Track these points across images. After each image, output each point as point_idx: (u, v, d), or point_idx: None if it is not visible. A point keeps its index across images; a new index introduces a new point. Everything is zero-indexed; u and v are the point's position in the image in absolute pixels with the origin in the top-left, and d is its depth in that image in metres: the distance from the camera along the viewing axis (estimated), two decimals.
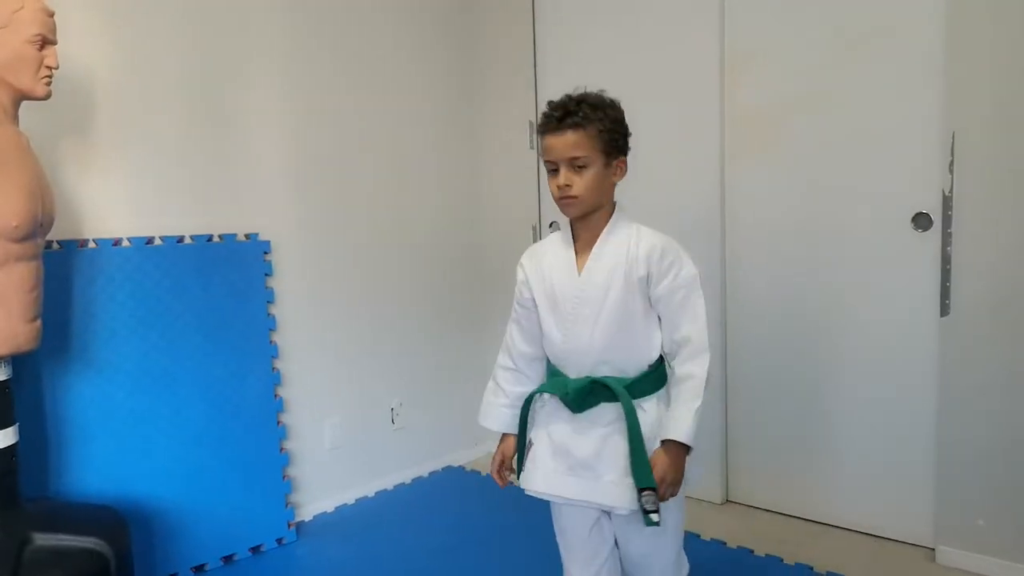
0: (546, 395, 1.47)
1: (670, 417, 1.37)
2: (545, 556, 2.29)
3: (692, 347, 1.40)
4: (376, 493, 2.95)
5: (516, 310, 1.53)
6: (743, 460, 2.72)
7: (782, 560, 2.27)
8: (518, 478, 1.52)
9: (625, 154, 1.43)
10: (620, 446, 1.37)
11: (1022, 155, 2.02)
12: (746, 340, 2.67)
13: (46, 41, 1.65)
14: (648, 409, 1.41)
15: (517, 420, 1.50)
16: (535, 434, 1.48)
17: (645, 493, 1.30)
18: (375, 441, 2.98)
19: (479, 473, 3.16)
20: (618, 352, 1.41)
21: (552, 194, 1.42)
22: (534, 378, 1.54)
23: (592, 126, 1.36)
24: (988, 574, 2.13)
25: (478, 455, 3.40)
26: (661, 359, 1.46)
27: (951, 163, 2.13)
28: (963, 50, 2.11)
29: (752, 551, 2.34)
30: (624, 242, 1.41)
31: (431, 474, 3.17)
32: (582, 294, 1.41)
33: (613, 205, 1.46)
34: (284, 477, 2.50)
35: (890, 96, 2.29)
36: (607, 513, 1.43)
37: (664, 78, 2.73)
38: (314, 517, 2.72)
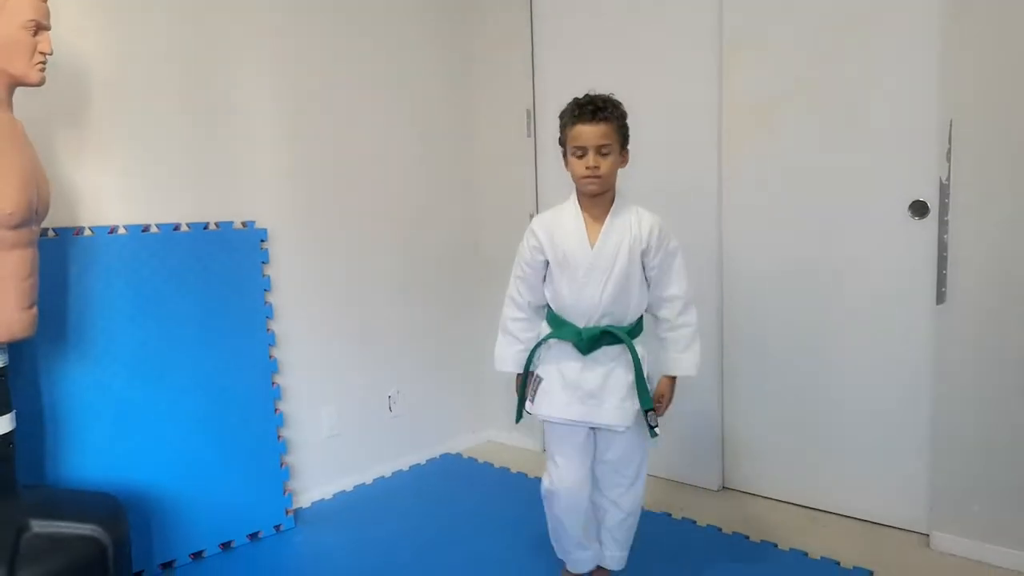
0: (553, 340, 1.79)
1: (673, 358, 1.82)
2: (542, 542, 2.31)
3: (682, 302, 1.79)
4: (374, 480, 2.96)
5: (523, 269, 1.84)
6: (739, 447, 2.73)
7: (776, 546, 2.29)
8: (521, 407, 1.87)
9: (627, 147, 1.76)
10: (620, 378, 1.76)
11: (1020, 143, 2.02)
12: (743, 327, 2.67)
13: (40, 27, 1.64)
14: (639, 349, 1.79)
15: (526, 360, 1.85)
16: (544, 371, 1.81)
17: (649, 413, 1.74)
18: (373, 429, 2.99)
19: (476, 460, 3.17)
20: (618, 307, 1.76)
21: (574, 174, 1.73)
22: (538, 325, 1.87)
23: (616, 120, 1.68)
24: (982, 560, 2.15)
25: (476, 442, 3.41)
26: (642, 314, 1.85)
27: (948, 151, 2.13)
28: (961, 37, 2.10)
29: (747, 537, 2.36)
30: (627, 221, 1.73)
31: (429, 461, 3.18)
32: (595, 263, 1.72)
33: (615, 189, 1.78)
34: (282, 464, 2.51)
35: (888, 83, 2.28)
36: (594, 430, 1.82)
37: (663, 64, 2.72)
38: (312, 504, 2.73)
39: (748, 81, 2.57)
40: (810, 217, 2.47)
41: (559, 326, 1.79)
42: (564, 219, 1.78)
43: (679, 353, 1.81)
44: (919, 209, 2.24)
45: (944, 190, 2.16)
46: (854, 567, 2.14)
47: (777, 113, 2.51)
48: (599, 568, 2.00)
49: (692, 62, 2.65)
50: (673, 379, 1.85)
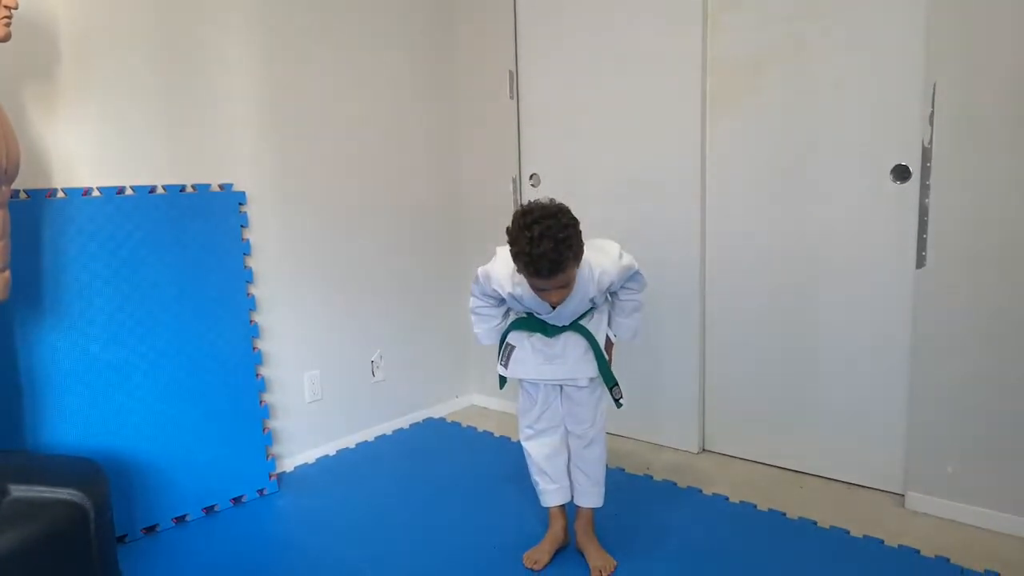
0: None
1: (617, 324, 2.00)
2: (525, 505, 2.33)
3: (638, 286, 1.95)
4: (357, 445, 2.97)
5: (480, 298, 2.00)
6: (719, 410, 2.76)
7: (756, 506, 2.33)
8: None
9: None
10: (577, 342, 1.93)
11: (1003, 107, 2.02)
12: (723, 291, 2.68)
13: None
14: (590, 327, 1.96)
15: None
16: (515, 340, 1.99)
17: (613, 389, 1.95)
18: (356, 393, 2.98)
19: (460, 424, 3.18)
20: (580, 315, 1.93)
21: (541, 298, 1.80)
22: (504, 306, 2.03)
23: (572, 263, 1.68)
24: (956, 519, 2.20)
25: (459, 407, 3.43)
26: None
27: (931, 114, 2.13)
28: None
29: (727, 498, 2.39)
30: (586, 281, 1.79)
31: (412, 426, 3.19)
32: (557, 315, 1.87)
33: None
34: (264, 429, 2.51)
35: (870, 45, 2.26)
36: (560, 387, 2.00)
37: (646, 24, 2.68)
38: (295, 468, 2.73)
39: (732, 42, 2.54)
40: (791, 180, 2.47)
41: (526, 320, 1.97)
42: (521, 287, 1.81)
43: (622, 318, 1.98)
44: (901, 173, 2.24)
45: (927, 154, 2.16)
46: (831, 526, 2.18)
47: (760, 74, 2.49)
48: (579, 509, 2.08)
49: (676, 21, 2.61)
50: (611, 344, 2.02)
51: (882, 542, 2.08)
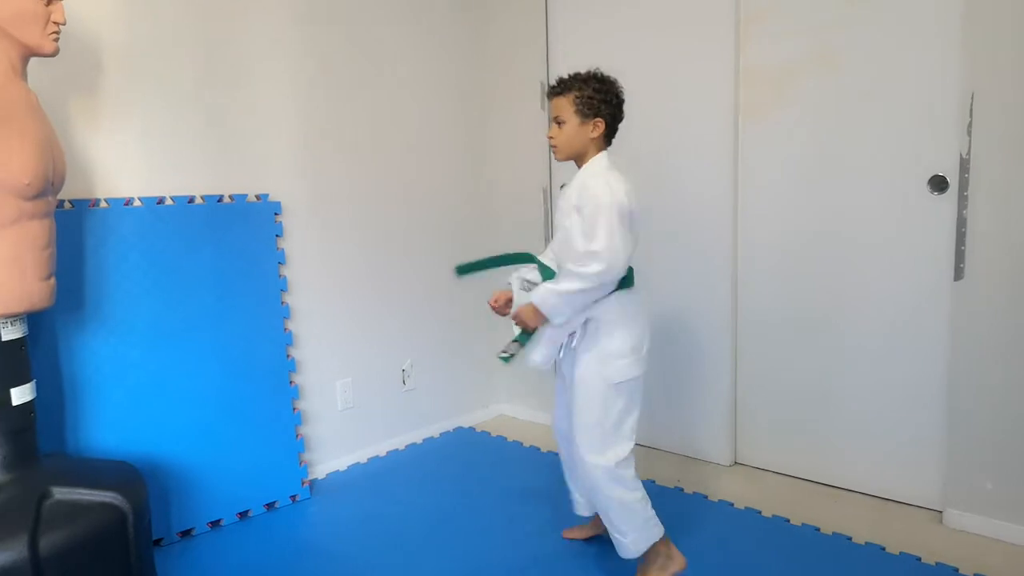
0: None
1: (539, 287, 1.83)
2: (553, 514, 2.33)
3: (590, 254, 1.73)
4: (388, 453, 2.99)
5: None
6: (752, 422, 2.73)
7: (789, 521, 2.29)
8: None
9: (603, 115, 1.84)
10: (545, 329, 1.85)
11: None
12: (757, 301, 2.66)
13: None
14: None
15: None
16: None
17: (511, 343, 1.87)
18: (387, 402, 3.01)
19: (489, 434, 3.19)
20: (564, 256, 1.88)
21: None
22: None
23: (570, 93, 1.83)
24: (996, 537, 2.15)
25: (488, 416, 3.43)
26: None
27: (969, 124, 2.10)
28: (983, 6, 2.05)
29: (760, 512, 2.36)
30: (577, 182, 1.86)
31: (442, 434, 3.20)
32: (558, 220, 1.95)
33: (597, 153, 1.88)
34: (297, 436, 2.54)
35: (907, 54, 2.24)
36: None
37: (679, 33, 2.68)
38: (327, 475, 2.76)
39: (765, 50, 2.53)
40: (826, 191, 2.44)
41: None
42: None
43: (548, 284, 1.80)
44: (938, 184, 2.21)
45: (964, 165, 2.12)
46: (866, 542, 2.14)
47: (794, 83, 2.48)
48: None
49: (708, 30, 2.61)
50: (531, 305, 1.82)
51: (919, 560, 2.04)
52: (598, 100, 1.82)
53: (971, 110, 2.09)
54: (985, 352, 2.13)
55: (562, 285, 1.75)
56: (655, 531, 1.90)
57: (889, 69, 2.27)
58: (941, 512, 2.28)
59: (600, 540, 2.14)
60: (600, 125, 1.84)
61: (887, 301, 2.35)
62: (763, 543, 2.17)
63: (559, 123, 1.85)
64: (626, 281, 1.83)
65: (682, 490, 2.54)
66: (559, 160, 1.91)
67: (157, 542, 2.19)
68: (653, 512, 1.90)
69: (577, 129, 1.84)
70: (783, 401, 2.63)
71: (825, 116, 2.42)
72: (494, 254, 2.00)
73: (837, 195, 2.42)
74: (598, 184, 1.78)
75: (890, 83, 2.28)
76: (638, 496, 1.87)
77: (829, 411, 2.52)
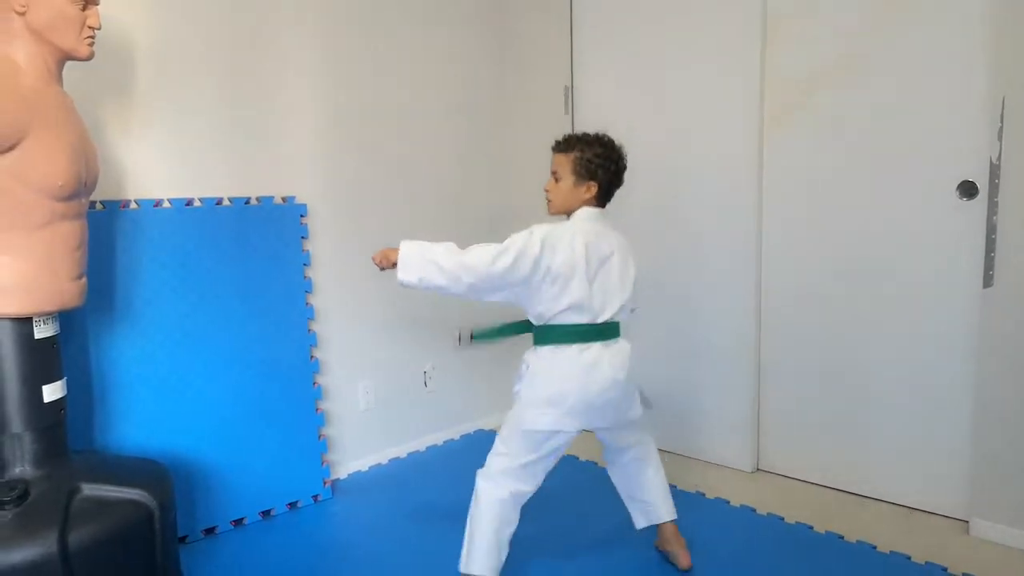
0: None
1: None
2: (571, 517, 2.33)
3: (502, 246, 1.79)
4: (408, 454, 3.00)
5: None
6: (774, 429, 2.71)
7: (812, 528, 2.27)
8: None
9: (599, 180, 1.86)
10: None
11: None
12: (781, 307, 2.64)
13: (88, 1, 1.67)
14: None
15: None
16: None
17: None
18: (408, 404, 3.02)
19: None
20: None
21: None
22: None
23: (572, 153, 1.87)
24: (1023, 548, 2.11)
25: None
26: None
27: (1000, 129, 2.07)
28: (1016, 10, 2.03)
29: (783, 519, 2.34)
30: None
31: (462, 437, 3.21)
32: None
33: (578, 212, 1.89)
34: (320, 436, 2.56)
35: (935, 59, 2.22)
36: None
37: (703, 38, 2.68)
38: (349, 476, 2.78)
39: (791, 55, 2.51)
40: (853, 197, 2.42)
41: None
42: None
43: (427, 244, 1.87)
44: (968, 190, 2.18)
45: (994, 170, 2.10)
46: (891, 552, 2.12)
47: (821, 88, 2.46)
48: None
49: (734, 35, 2.60)
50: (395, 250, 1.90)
51: (945, 570, 2.01)
52: (596, 165, 1.85)
53: (1002, 115, 2.06)
54: (1014, 360, 2.10)
55: (433, 251, 1.83)
56: (468, 568, 1.87)
57: (917, 74, 2.25)
58: (967, 522, 2.25)
59: (654, 557, 2.13)
60: (593, 188, 1.86)
61: (914, 307, 2.33)
62: (786, 550, 2.16)
63: (556, 179, 1.90)
64: (554, 337, 1.82)
65: (703, 495, 2.53)
66: (550, 214, 1.94)
67: (182, 539, 2.22)
68: (480, 552, 1.85)
69: (571, 188, 1.87)
70: (806, 408, 2.61)
71: (851, 121, 2.40)
72: (506, 321, 2.03)
73: (864, 201, 2.40)
74: (563, 226, 1.83)
75: (918, 88, 2.26)
76: (484, 523, 1.86)
77: (854, 418, 2.50)
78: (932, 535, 2.23)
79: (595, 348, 1.81)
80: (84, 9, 1.66)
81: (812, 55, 2.47)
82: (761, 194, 2.63)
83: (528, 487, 1.88)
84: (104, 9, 1.76)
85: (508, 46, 3.29)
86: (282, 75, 2.52)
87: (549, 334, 1.83)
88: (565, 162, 1.87)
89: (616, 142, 1.90)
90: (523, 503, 1.89)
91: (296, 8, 2.54)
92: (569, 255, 1.76)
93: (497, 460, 1.90)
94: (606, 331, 1.83)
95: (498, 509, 1.86)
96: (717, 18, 2.63)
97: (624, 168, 1.91)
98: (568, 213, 1.91)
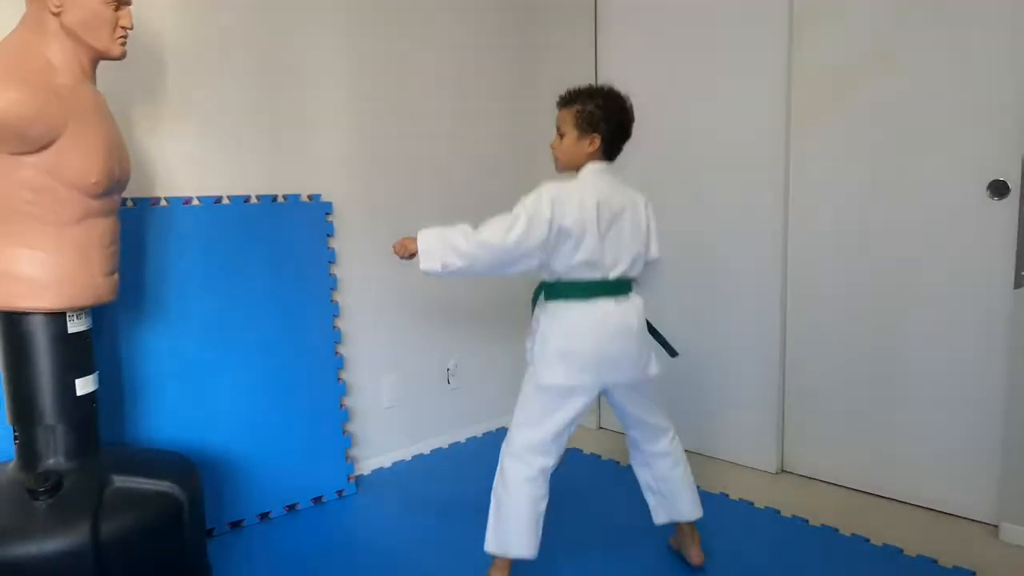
0: None
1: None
2: (593, 513, 2.32)
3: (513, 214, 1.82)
4: (432, 451, 3.02)
5: None
6: (800, 429, 2.69)
7: (838, 531, 2.25)
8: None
9: (601, 132, 1.83)
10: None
11: None
12: (807, 307, 2.62)
13: (121, 2, 1.70)
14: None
15: None
16: None
17: None
18: (431, 401, 3.04)
19: None
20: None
21: None
22: None
23: (573, 107, 1.84)
24: None
25: None
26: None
27: None
28: None
29: (807, 521, 2.33)
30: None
31: (485, 434, 3.22)
32: None
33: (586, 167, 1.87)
34: (344, 432, 2.58)
35: (965, 55, 2.18)
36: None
37: (730, 35, 2.66)
38: (372, 471, 2.80)
39: (819, 52, 2.49)
40: (882, 196, 2.40)
41: None
42: None
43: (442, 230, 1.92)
44: (998, 189, 2.15)
45: None
46: (918, 555, 2.09)
47: (849, 85, 2.43)
48: None
49: (760, 31, 2.58)
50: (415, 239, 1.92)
51: (974, 574, 1.99)
52: (598, 116, 1.82)
53: None
54: None
55: (443, 234, 1.88)
56: (504, 549, 1.87)
57: (946, 72, 2.22)
58: (996, 526, 2.22)
59: (669, 553, 2.13)
60: (596, 141, 1.84)
61: (943, 307, 2.30)
62: (811, 553, 2.14)
63: (560, 135, 1.89)
64: (564, 292, 1.83)
65: (727, 496, 2.52)
66: (558, 171, 1.91)
67: (209, 532, 2.25)
68: (517, 534, 1.85)
69: (575, 143, 1.85)
70: (832, 409, 2.59)
71: (880, 120, 2.38)
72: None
73: (893, 199, 2.37)
74: (572, 184, 1.82)
75: (947, 86, 2.23)
76: (520, 504, 1.85)
77: (881, 419, 2.47)
78: (960, 539, 2.20)
79: (606, 303, 1.81)
80: (117, 10, 1.69)
81: (840, 53, 2.44)
82: (788, 192, 2.61)
83: (552, 460, 1.89)
84: (136, 10, 1.79)
85: (533, 46, 3.30)
86: (310, 75, 2.54)
87: (560, 290, 1.84)
88: (568, 116, 1.86)
89: (621, 93, 1.86)
90: (549, 475, 1.90)
91: (325, 8, 2.56)
92: (579, 214, 1.76)
93: (519, 433, 1.91)
94: (617, 287, 1.83)
95: (528, 489, 1.86)
96: (742, 17, 2.62)
97: (630, 120, 1.87)
98: (576, 169, 1.88)
